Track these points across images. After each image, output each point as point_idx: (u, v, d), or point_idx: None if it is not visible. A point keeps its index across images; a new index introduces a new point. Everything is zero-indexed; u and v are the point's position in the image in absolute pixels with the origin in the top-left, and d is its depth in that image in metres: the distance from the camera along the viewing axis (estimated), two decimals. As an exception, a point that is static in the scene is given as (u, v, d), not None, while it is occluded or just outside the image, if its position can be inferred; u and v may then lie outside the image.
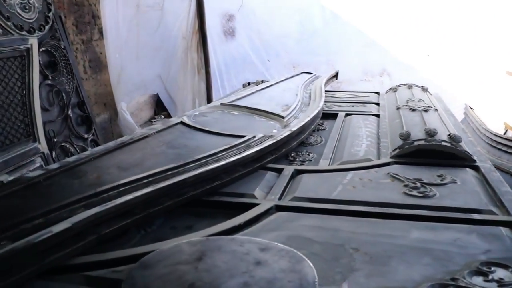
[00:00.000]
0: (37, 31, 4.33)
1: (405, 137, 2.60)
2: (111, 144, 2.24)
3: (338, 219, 1.72)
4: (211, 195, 1.94)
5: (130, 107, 6.14)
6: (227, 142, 2.32)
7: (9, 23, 4.01)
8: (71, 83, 4.70)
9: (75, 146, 4.58)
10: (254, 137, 2.43)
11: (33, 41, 4.26)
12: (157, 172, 1.87)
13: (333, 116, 3.50)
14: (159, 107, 7.54)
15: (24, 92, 4.11)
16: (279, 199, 1.92)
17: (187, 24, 5.52)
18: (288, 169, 2.27)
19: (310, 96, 3.73)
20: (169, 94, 6.04)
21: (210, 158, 2.09)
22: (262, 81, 4.57)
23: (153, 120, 7.24)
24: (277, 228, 1.65)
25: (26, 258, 1.31)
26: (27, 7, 4.27)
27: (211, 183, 1.93)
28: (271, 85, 3.98)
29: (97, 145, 4.90)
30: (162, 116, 7.39)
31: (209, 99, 5.72)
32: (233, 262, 1.28)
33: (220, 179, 1.97)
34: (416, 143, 2.48)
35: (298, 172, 2.26)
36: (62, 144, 4.43)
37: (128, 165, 1.99)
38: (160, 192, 1.71)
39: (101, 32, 5.88)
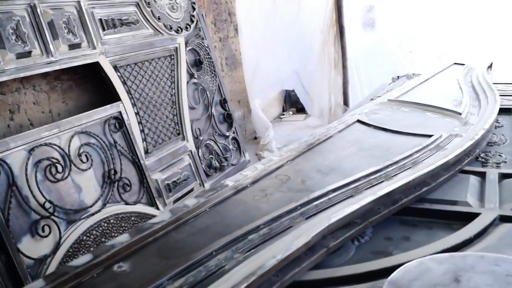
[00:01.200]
0: (184, 30, 4.40)
1: None
2: (296, 145, 2.17)
3: None
4: (419, 202, 1.77)
5: (261, 104, 6.13)
6: (414, 142, 2.19)
7: (159, 24, 4.11)
8: (214, 81, 4.75)
9: (218, 144, 4.61)
10: (440, 136, 2.23)
11: (181, 40, 4.34)
12: (361, 176, 1.76)
13: (505, 111, 3.17)
14: (287, 103, 7.50)
15: (174, 91, 4.19)
16: (499, 207, 1.70)
17: (324, 17, 5.37)
18: (492, 173, 2.03)
19: (474, 89, 3.42)
20: (305, 90, 5.94)
21: (407, 161, 1.95)
22: (413, 74, 4.30)
23: (282, 116, 7.21)
24: (518, 244, 1.44)
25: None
26: (174, 7, 4.35)
27: (419, 189, 1.76)
28: (427, 79, 3.71)
29: (238, 143, 4.92)
30: (291, 113, 7.34)
31: (345, 94, 5.54)
32: (498, 285, 1.11)
33: (427, 185, 1.80)
34: None
35: (503, 176, 2.01)
36: (207, 142, 4.48)
37: (327, 168, 1.90)
38: (379, 200, 1.58)
39: (236, 29, 5.91)
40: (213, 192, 1.69)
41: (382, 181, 1.76)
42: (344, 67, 5.46)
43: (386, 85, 4.41)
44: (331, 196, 1.63)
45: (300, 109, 7.28)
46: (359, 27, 5.66)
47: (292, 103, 7.50)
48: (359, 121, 2.57)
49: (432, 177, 1.83)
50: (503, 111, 3.17)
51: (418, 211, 1.75)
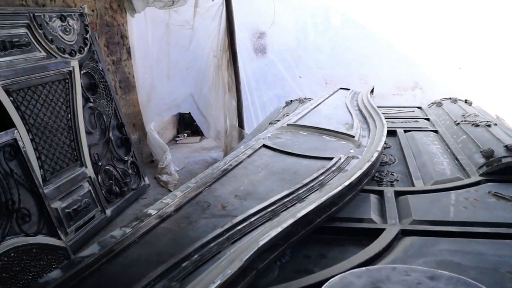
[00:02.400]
0: (77, 53, 4.30)
1: (489, 154, 2.57)
2: (210, 171, 2.21)
3: (474, 242, 1.69)
4: (330, 221, 1.91)
5: (156, 127, 6.10)
6: (317, 164, 2.33)
7: (52, 46, 3.99)
8: (110, 105, 4.66)
9: (117, 169, 4.51)
10: (340, 158, 2.40)
11: (75, 63, 4.23)
12: (276, 200, 1.85)
13: (390, 133, 3.47)
14: (181, 126, 7.52)
15: (70, 115, 4.06)
16: (400, 222, 1.88)
17: (217, 42, 5.48)
18: (389, 191, 2.23)
19: (361, 112, 3.71)
20: (201, 112, 6.00)
21: (315, 183, 2.08)
22: (305, 98, 4.54)
23: (177, 139, 7.21)
24: (420, 254, 1.61)
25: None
26: (67, 29, 4.25)
27: (329, 210, 1.90)
28: (319, 103, 3.95)
29: (137, 167, 4.85)
30: (186, 135, 7.37)
31: (240, 117, 5.67)
32: (414, 292, 1.25)
33: (336, 205, 1.94)
34: (504, 160, 2.45)
35: (398, 194, 2.22)
36: (106, 167, 4.37)
37: (244, 193, 1.96)
38: (297, 222, 1.68)
39: (129, 52, 5.85)
40: (137, 222, 1.69)
41: (295, 203, 1.87)
42: (238, 90, 5.61)
43: (280, 109, 4.61)
44: (252, 220, 1.70)
45: (195, 131, 7.36)
46: (250, 52, 5.87)
47: (186, 125, 7.55)
48: (264, 145, 2.68)
49: (339, 198, 1.98)
50: (388, 133, 3.47)
51: (330, 230, 1.88)
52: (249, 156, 2.45)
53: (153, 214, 1.75)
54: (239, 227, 1.63)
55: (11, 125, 3.41)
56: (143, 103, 5.78)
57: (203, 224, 1.68)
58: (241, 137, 5.66)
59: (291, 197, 1.90)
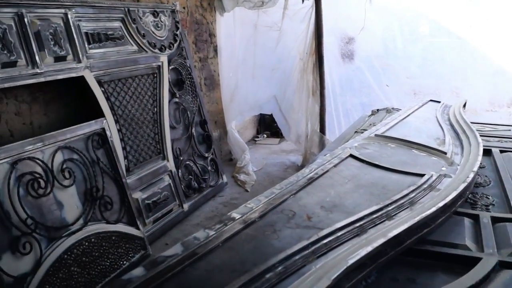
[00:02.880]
0: (167, 49, 4.37)
1: None
2: (295, 178, 2.15)
3: None
4: (421, 244, 1.78)
5: (237, 126, 6.12)
6: (407, 180, 2.21)
7: (144, 41, 4.07)
8: (195, 101, 4.71)
9: (197, 165, 4.55)
10: (431, 176, 2.25)
11: (164, 58, 4.30)
12: (364, 215, 1.76)
13: (486, 152, 3.24)
14: (261, 126, 7.51)
15: (156, 109, 4.13)
16: (498, 252, 1.71)
17: (304, 46, 5.41)
18: (485, 216, 2.06)
19: (453, 128, 3.50)
20: (283, 115, 5.96)
21: (405, 200, 1.96)
22: (392, 108, 4.38)
23: (256, 139, 7.21)
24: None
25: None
26: (159, 25, 4.32)
27: (421, 231, 1.78)
28: (408, 115, 3.77)
29: (216, 164, 4.87)
30: (265, 136, 7.35)
31: (322, 122, 5.56)
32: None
33: (427, 226, 1.81)
34: None
35: (496, 220, 2.04)
36: (187, 162, 4.42)
37: (330, 204, 1.89)
38: (388, 242, 1.58)
39: (216, 50, 5.91)
40: (221, 225, 1.66)
41: (384, 220, 1.77)
42: (322, 95, 5.49)
43: (366, 117, 4.47)
44: (338, 234, 1.63)
45: (274, 133, 7.31)
46: (337, 58, 5.75)
47: (266, 126, 7.52)
48: (351, 155, 2.58)
49: (432, 219, 1.85)
50: (483, 152, 3.24)
51: (420, 253, 1.76)
52: (335, 166, 2.37)
53: (237, 218, 1.72)
54: (325, 241, 1.56)
55: (100, 115, 3.51)
56: (226, 101, 5.81)
57: (287, 234, 1.62)
58: (321, 142, 5.55)
59: (379, 213, 1.81)
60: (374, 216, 1.77)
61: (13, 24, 2.97)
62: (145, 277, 1.36)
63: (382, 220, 1.76)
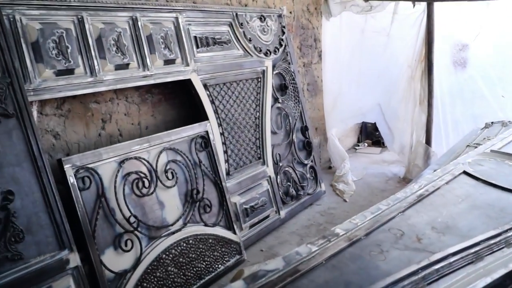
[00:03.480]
0: (272, 54, 4.35)
1: None
2: (402, 194, 2.02)
3: None
4: None
5: (337, 133, 5.98)
6: None
7: (250, 45, 4.08)
8: (297, 107, 4.66)
9: (296, 171, 4.50)
10: None
11: (269, 63, 4.29)
12: (481, 240, 1.60)
13: None
14: (363, 134, 7.31)
15: (258, 114, 4.13)
16: None
17: (413, 52, 5.18)
18: None
19: None
20: (387, 124, 5.75)
21: None
22: (509, 122, 4.05)
23: (357, 148, 7.03)
24: None
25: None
26: (265, 30, 4.32)
27: None
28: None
29: (315, 172, 4.79)
30: (366, 144, 7.14)
31: (428, 133, 5.29)
32: None
33: None
34: None
35: None
36: (286, 169, 4.38)
37: (442, 226, 1.75)
38: (509, 274, 1.42)
39: (320, 56, 5.83)
40: (324, 241, 1.58)
41: (503, 247, 1.61)
42: (430, 105, 5.22)
43: (478, 130, 4.17)
44: (451, 260, 1.50)
45: (376, 142, 7.09)
46: (449, 65, 5.42)
47: (367, 134, 7.32)
48: (465, 172, 2.39)
49: None
50: None
51: None
52: (447, 183, 2.20)
53: (341, 234, 1.63)
54: (436, 267, 1.44)
55: (204, 117, 3.56)
56: (328, 108, 5.70)
57: (395, 256, 1.51)
58: (427, 154, 5.27)
59: (498, 239, 1.64)
60: (492, 242, 1.62)
61: (127, 27, 3.09)
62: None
63: (500, 247, 1.60)
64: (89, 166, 2.67)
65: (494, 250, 1.57)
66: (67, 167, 2.56)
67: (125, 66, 3.04)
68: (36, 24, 2.60)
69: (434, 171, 2.52)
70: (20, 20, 2.52)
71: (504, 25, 5.20)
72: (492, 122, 4.17)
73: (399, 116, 5.51)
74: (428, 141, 5.33)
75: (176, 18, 3.44)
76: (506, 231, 1.70)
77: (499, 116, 4.88)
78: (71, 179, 2.56)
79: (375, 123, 6.41)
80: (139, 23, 3.15)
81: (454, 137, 5.32)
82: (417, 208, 1.91)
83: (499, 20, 5.20)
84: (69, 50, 2.74)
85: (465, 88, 5.41)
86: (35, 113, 2.73)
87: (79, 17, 2.81)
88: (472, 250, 1.54)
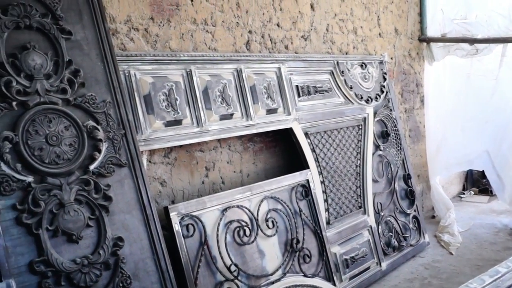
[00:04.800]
0: (373, 101, 4.30)
1: None
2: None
3: None
4: None
5: (441, 180, 5.71)
6: None
7: (351, 93, 4.06)
8: (399, 154, 4.53)
9: (398, 221, 4.33)
10: None
11: (370, 110, 4.24)
12: None
13: None
14: (468, 182, 6.93)
15: (359, 162, 4.06)
16: None
17: (524, 96, 4.92)
18: None
19: None
20: (497, 172, 5.43)
21: None
22: None
23: (462, 196, 6.67)
24: None
25: None
26: (366, 77, 4.29)
27: None
28: None
29: (418, 221, 4.58)
30: (472, 192, 6.75)
31: (541, 182, 4.94)
32: None
33: None
34: None
35: None
36: (387, 218, 4.23)
37: None
38: None
39: (422, 101, 5.67)
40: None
41: None
42: (544, 151, 4.88)
43: None
44: None
45: (483, 190, 6.68)
46: None
47: (473, 182, 6.92)
48: None
49: None
50: None
51: None
52: None
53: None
54: None
55: (304, 166, 3.56)
56: (431, 154, 5.48)
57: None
58: (541, 205, 4.89)
59: None
60: None
61: (232, 79, 3.21)
62: None
63: None
64: (194, 214, 2.74)
65: None
66: (173, 214, 2.64)
67: (229, 116, 3.14)
68: (149, 78, 2.77)
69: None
70: (135, 75, 2.70)
71: None
72: None
73: (510, 164, 5.17)
74: (543, 190, 4.94)
75: (279, 69, 3.52)
76: None
77: None
78: (177, 227, 2.64)
79: (482, 171, 6.05)
80: (243, 75, 3.25)
81: None
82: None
83: None
84: (177, 102, 2.87)
85: None
86: (145, 162, 2.88)
87: (188, 70, 2.96)
88: None
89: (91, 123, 2.35)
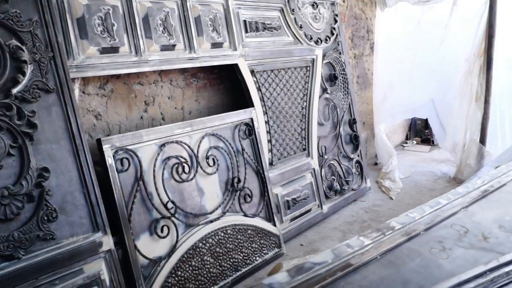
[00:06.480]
0: (323, 42, 4.18)
1: None
2: (464, 189, 1.84)
3: None
4: None
5: (385, 129, 5.74)
6: None
7: (301, 32, 3.93)
8: (346, 99, 4.48)
9: (341, 165, 4.32)
10: None
11: (319, 52, 4.13)
12: None
13: None
14: (412, 131, 7.04)
15: (305, 104, 3.98)
16: None
17: (472, 46, 4.88)
18: None
19: None
20: (440, 121, 5.48)
21: None
22: None
23: (405, 145, 6.77)
24: None
25: None
26: (317, 17, 4.15)
27: None
28: None
29: (361, 167, 4.60)
30: (415, 142, 6.87)
31: (483, 132, 4.99)
32: None
33: None
34: None
35: None
36: (331, 162, 4.21)
37: (510, 224, 1.57)
38: None
39: (372, 47, 5.61)
40: (379, 234, 1.43)
41: None
42: (486, 102, 4.91)
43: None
44: None
45: (425, 140, 6.82)
46: (510, 61, 5.10)
47: (416, 131, 7.05)
48: (530, 169, 2.18)
49: None
50: None
51: None
52: (512, 179, 2.01)
53: (397, 228, 1.47)
54: (507, 269, 1.27)
55: (249, 104, 3.44)
56: (378, 102, 5.48)
57: (459, 255, 1.35)
58: (480, 154, 4.98)
59: None
60: None
61: (175, 7, 3.00)
62: (290, 285, 1.18)
63: None
64: (129, 147, 2.59)
65: None
66: (106, 147, 2.48)
67: (171, 47, 2.95)
68: (83, -1, 2.54)
69: (496, 167, 2.32)
70: (67, -6, 2.46)
71: None
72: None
73: (453, 113, 5.23)
74: (482, 140, 5.02)
75: (226, 1, 3.33)
76: None
77: None
78: (110, 160, 2.48)
79: (425, 120, 6.15)
80: (188, 4, 3.05)
81: (511, 137, 5.02)
82: (481, 205, 1.74)
83: None
84: (115, 28, 2.66)
85: (526, 85, 5.07)
86: (76, 91, 2.68)
87: (127, -6, 2.73)
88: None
89: (14, 42, 2.13)
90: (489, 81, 4.94)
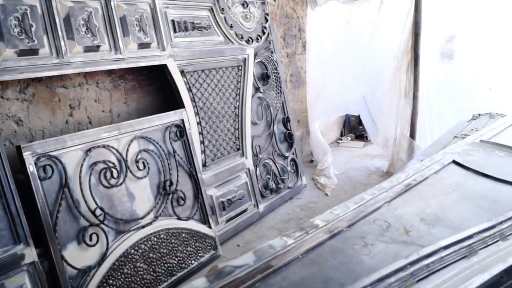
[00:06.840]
0: (254, 42, 4.18)
1: None
2: (388, 184, 1.87)
3: None
4: None
5: (320, 126, 5.82)
6: None
7: (231, 32, 3.90)
8: (279, 98, 4.50)
9: (276, 164, 4.34)
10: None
11: (250, 51, 4.12)
12: (474, 233, 1.48)
13: None
14: (346, 128, 7.18)
15: (238, 103, 3.96)
16: None
17: (400, 43, 5.03)
18: None
19: None
20: (371, 116, 5.62)
21: None
22: (496, 114, 3.94)
23: (339, 142, 6.90)
24: None
25: None
26: (248, 16, 4.15)
27: None
28: (516, 121, 3.35)
29: (296, 164, 4.64)
30: (349, 138, 7.01)
31: (412, 126, 5.16)
32: None
33: None
34: None
35: None
36: (266, 161, 4.22)
37: (431, 217, 1.63)
38: (508, 270, 1.29)
39: (304, 46, 5.67)
40: (302, 233, 1.42)
41: (497, 241, 1.48)
42: (415, 97, 5.08)
43: (465, 122, 4.06)
44: (443, 254, 1.37)
45: (359, 136, 6.97)
46: (435, 57, 5.28)
47: (350, 128, 7.20)
48: (454, 162, 2.26)
49: None
50: None
51: None
52: (436, 172, 2.08)
53: (320, 226, 1.47)
54: (426, 262, 1.30)
55: (180, 106, 3.38)
56: (311, 100, 5.55)
57: (381, 250, 1.37)
58: (411, 148, 5.14)
59: (492, 231, 1.54)
60: (486, 234, 1.51)
61: (99, 7, 2.90)
62: (207, 291, 1.15)
63: (495, 240, 1.49)
64: (52, 154, 2.48)
65: (489, 243, 1.45)
66: (26, 154, 2.36)
67: (96, 48, 2.85)
68: (-3, -1, 2.40)
69: (421, 161, 2.39)
70: (-22, -7, 2.32)
71: (492, 16, 5.08)
72: (479, 114, 4.07)
73: (383, 109, 5.38)
74: (412, 135, 5.19)
75: (153, 0, 3.25)
76: (501, 223, 1.59)
77: (486, 109, 4.75)
78: (31, 168, 2.36)
79: (358, 116, 6.29)
80: (112, 3, 2.95)
81: (439, 130, 5.20)
82: (404, 198, 1.78)
83: (487, 11, 5.07)
84: (33, 29, 2.53)
85: (451, 81, 5.28)
86: (-7, 96, 2.54)
87: (45, -7, 2.61)
88: (465, 244, 1.41)
89: None
90: (417, 77, 5.10)
